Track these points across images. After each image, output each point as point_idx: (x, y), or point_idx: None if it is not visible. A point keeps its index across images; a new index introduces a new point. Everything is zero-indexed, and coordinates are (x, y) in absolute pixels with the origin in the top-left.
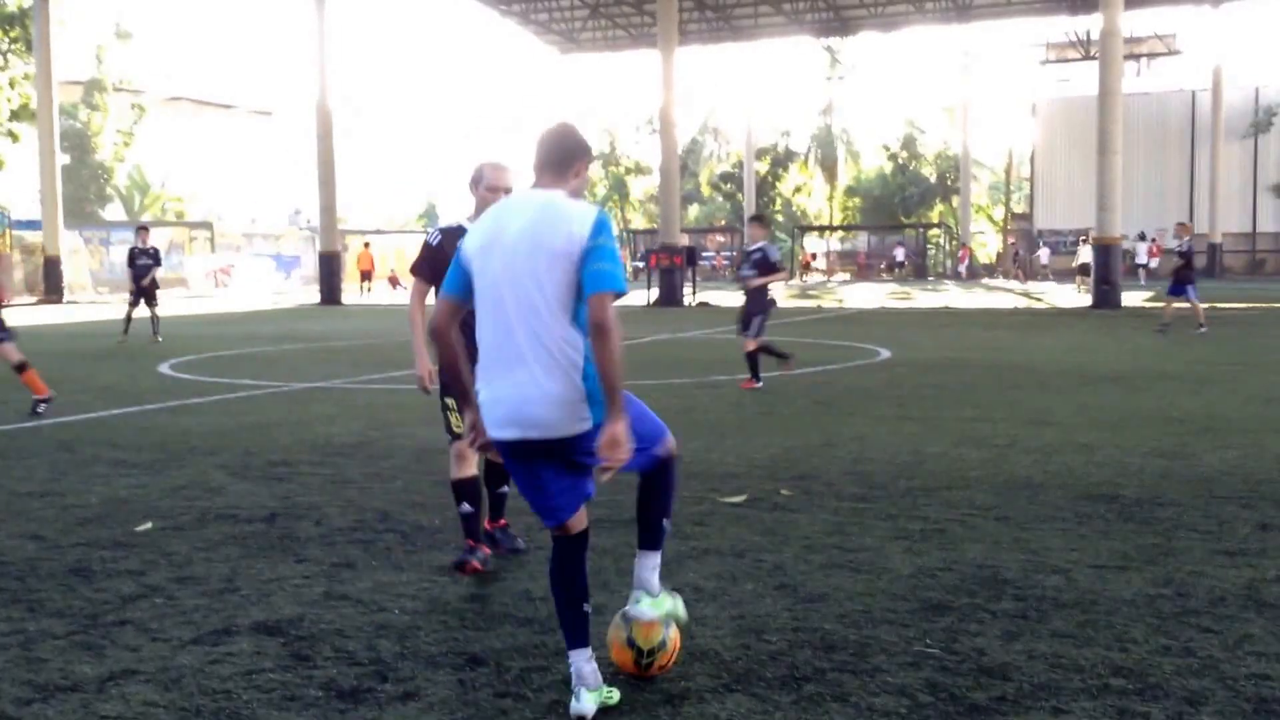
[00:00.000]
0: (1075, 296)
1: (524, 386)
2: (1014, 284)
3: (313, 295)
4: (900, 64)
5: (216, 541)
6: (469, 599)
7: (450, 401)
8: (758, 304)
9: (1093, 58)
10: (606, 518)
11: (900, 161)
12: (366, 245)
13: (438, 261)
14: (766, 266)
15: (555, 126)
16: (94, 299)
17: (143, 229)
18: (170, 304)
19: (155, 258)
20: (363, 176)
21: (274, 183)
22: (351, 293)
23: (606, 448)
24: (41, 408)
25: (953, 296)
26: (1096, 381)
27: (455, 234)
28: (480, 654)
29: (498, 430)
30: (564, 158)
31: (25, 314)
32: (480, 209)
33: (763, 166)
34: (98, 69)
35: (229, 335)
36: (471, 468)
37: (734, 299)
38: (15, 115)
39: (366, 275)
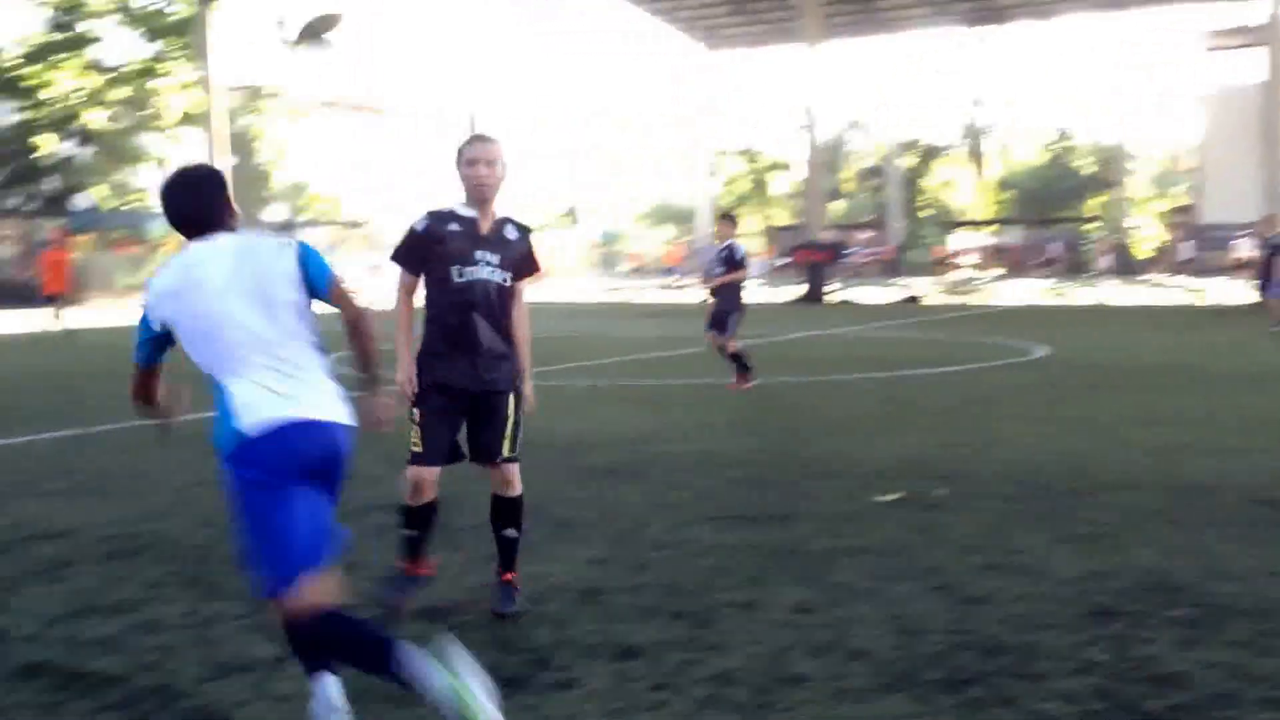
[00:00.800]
0: (1239, 293)
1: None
2: (1177, 279)
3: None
4: (1055, 53)
5: (375, 531)
6: (622, 591)
7: (416, 413)
8: (728, 302)
9: (1260, 44)
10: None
11: (1055, 154)
12: None
13: (425, 249)
14: (733, 264)
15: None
16: None
17: (286, 227)
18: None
19: None
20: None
21: (426, 182)
22: None
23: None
24: None
25: (1110, 292)
26: (1264, 381)
27: (445, 218)
28: (635, 646)
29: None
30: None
31: None
32: (465, 187)
33: (909, 160)
34: (259, 75)
35: (384, 332)
36: (428, 494)
37: (876, 295)
38: (182, 120)
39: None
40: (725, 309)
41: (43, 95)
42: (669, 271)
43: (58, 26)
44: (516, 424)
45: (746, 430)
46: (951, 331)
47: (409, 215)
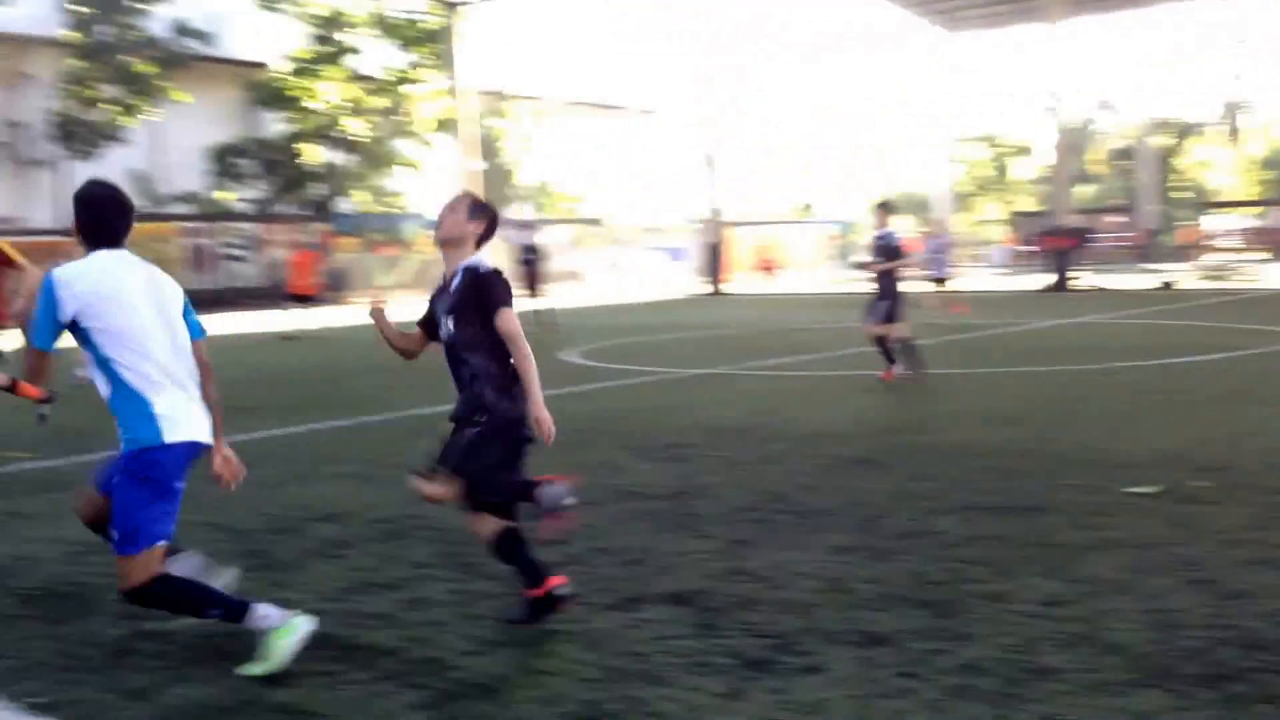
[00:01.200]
0: None
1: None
2: None
3: (701, 286)
4: None
5: (627, 517)
6: (867, 580)
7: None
8: (885, 291)
9: None
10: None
11: None
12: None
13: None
14: (890, 253)
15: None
16: None
17: (525, 225)
18: (568, 296)
19: (536, 252)
20: (746, 169)
21: (664, 179)
22: (738, 282)
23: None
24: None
25: None
26: None
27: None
28: (880, 633)
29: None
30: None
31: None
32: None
33: (1162, 140)
34: (504, 79)
35: (624, 325)
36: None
37: (1128, 282)
38: (433, 125)
39: (767, 267)
40: (882, 298)
41: (308, 106)
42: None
43: (320, 40)
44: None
45: (995, 421)
46: (1209, 317)
47: (647, 212)
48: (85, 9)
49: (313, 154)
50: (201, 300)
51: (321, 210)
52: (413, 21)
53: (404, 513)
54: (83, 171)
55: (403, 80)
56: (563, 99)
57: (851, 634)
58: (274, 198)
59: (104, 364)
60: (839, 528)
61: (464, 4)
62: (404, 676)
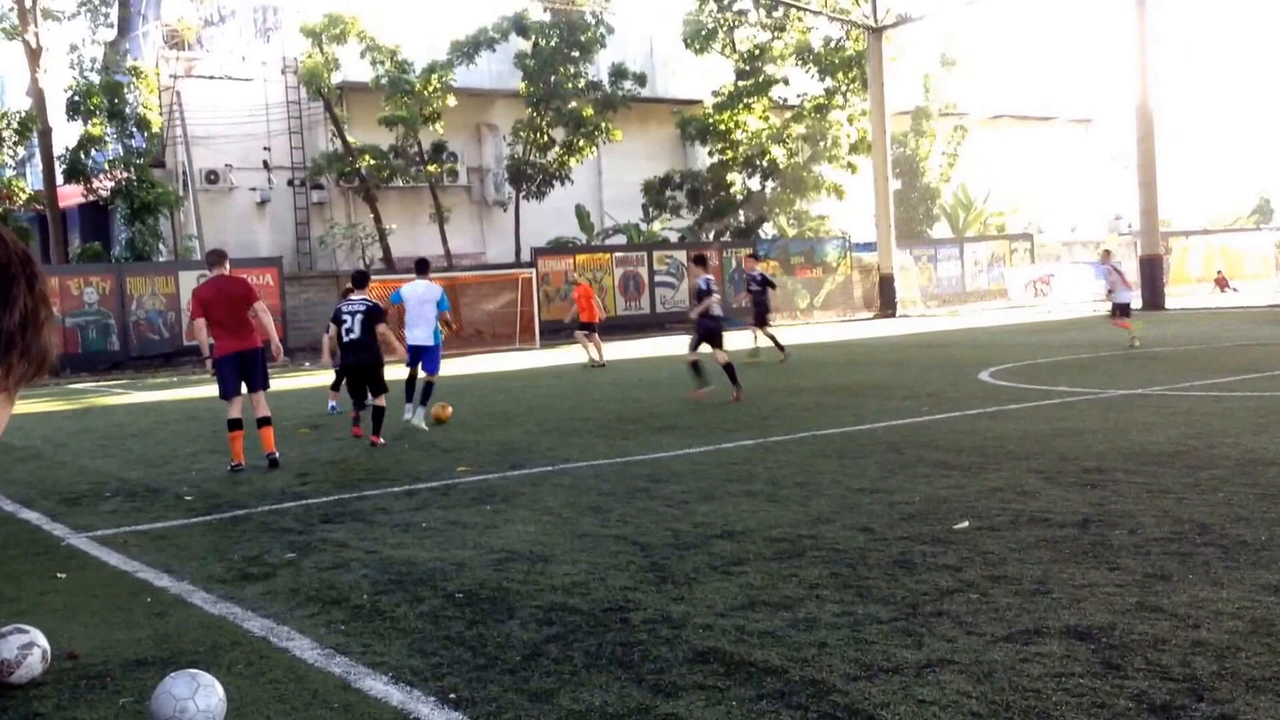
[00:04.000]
0: None
1: None
2: None
3: (1134, 301)
4: None
5: (1029, 544)
6: None
7: None
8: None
9: None
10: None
11: None
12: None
13: None
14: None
15: None
16: (923, 312)
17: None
18: (990, 314)
19: (764, 283)
20: (1189, 175)
21: (1094, 191)
22: (1182, 297)
23: None
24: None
25: None
26: None
27: None
28: None
29: None
30: None
31: (863, 328)
32: None
33: None
34: (925, 97)
35: (1047, 344)
36: None
37: None
38: (854, 148)
39: (1220, 281)
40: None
41: (734, 137)
42: None
43: (742, 75)
44: None
45: None
46: None
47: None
48: (535, 61)
49: (736, 183)
50: (632, 325)
51: (743, 236)
52: (835, 49)
53: (799, 532)
54: (532, 210)
55: (822, 106)
56: (988, 112)
57: (1277, 682)
58: (699, 226)
59: None
60: (1273, 564)
61: (889, 27)
62: (787, 697)
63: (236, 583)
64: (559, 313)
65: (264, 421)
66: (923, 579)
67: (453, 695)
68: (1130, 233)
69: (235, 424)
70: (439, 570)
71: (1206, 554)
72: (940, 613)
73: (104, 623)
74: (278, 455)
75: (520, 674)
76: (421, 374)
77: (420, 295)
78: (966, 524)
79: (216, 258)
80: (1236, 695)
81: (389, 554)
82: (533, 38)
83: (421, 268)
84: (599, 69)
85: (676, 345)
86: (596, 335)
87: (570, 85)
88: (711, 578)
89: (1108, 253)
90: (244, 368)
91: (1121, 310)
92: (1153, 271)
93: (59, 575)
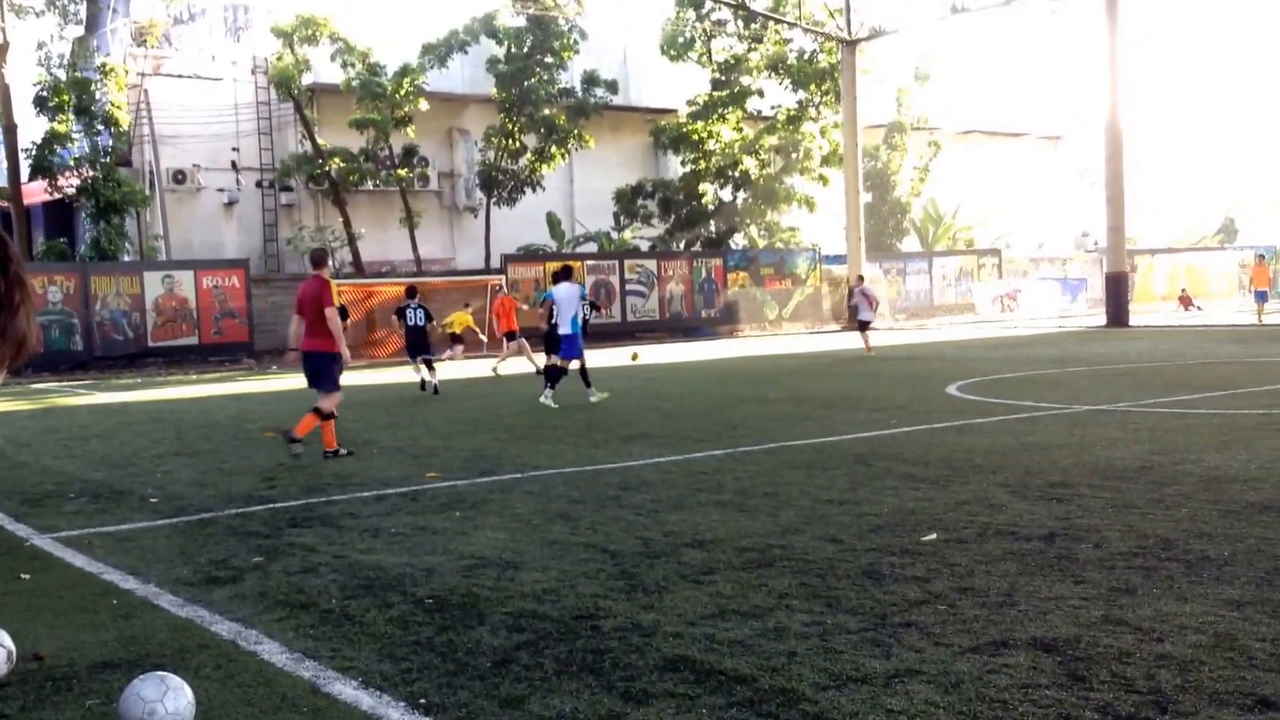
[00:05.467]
0: None
1: None
2: None
3: (1099, 318)
4: None
5: (996, 556)
6: (1263, 638)
7: None
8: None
9: None
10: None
11: None
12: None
13: None
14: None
15: None
16: (891, 325)
17: (411, 291)
18: (958, 329)
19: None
20: (1156, 193)
21: (1061, 207)
22: (1145, 315)
23: None
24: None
25: None
26: None
27: None
28: (1273, 697)
29: None
30: None
31: (831, 339)
32: None
33: None
34: (897, 112)
35: (1013, 358)
36: None
37: None
38: (826, 160)
39: (1184, 299)
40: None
41: (707, 148)
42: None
43: (717, 85)
44: None
45: None
46: None
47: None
48: (508, 66)
49: (708, 193)
50: (602, 334)
51: (713, 246)
52: (808, 61)
53: (771, 543)
54: (503, 216)
55: (795, 118)
56: (960, 127)
57: (1239, 696)
58: (670, 235)
59: None
60: (1235, 579)
61: (862, 40)
62: (757, 705)
63: (203, 586)
64: (530, 320)
65: (314, 410)
66: (891, 590)
67: (423, 701)
68: (1097, 249)
69: (316, 411)
70: (408, 575)
71: (1170, 569)
72: (908, 623)
73: (69, 624)
74: (298, 438)
75: (491, 680)
76: (566, 362)
77: (566, 295)
78: (934, 536)
79: (317, 258)
80: (1200, 708)
81: (358, 559)
82: (505, 43)
83: (567, 273)
84: (572, 76)
85: (651, 353)
86: (521, 343)
87: (543, 91)
88: (681, 586)
89: (860, 278)
90: (307, 365)
91: (862, 325)
92: (1118, 289)
93: (23, 576)
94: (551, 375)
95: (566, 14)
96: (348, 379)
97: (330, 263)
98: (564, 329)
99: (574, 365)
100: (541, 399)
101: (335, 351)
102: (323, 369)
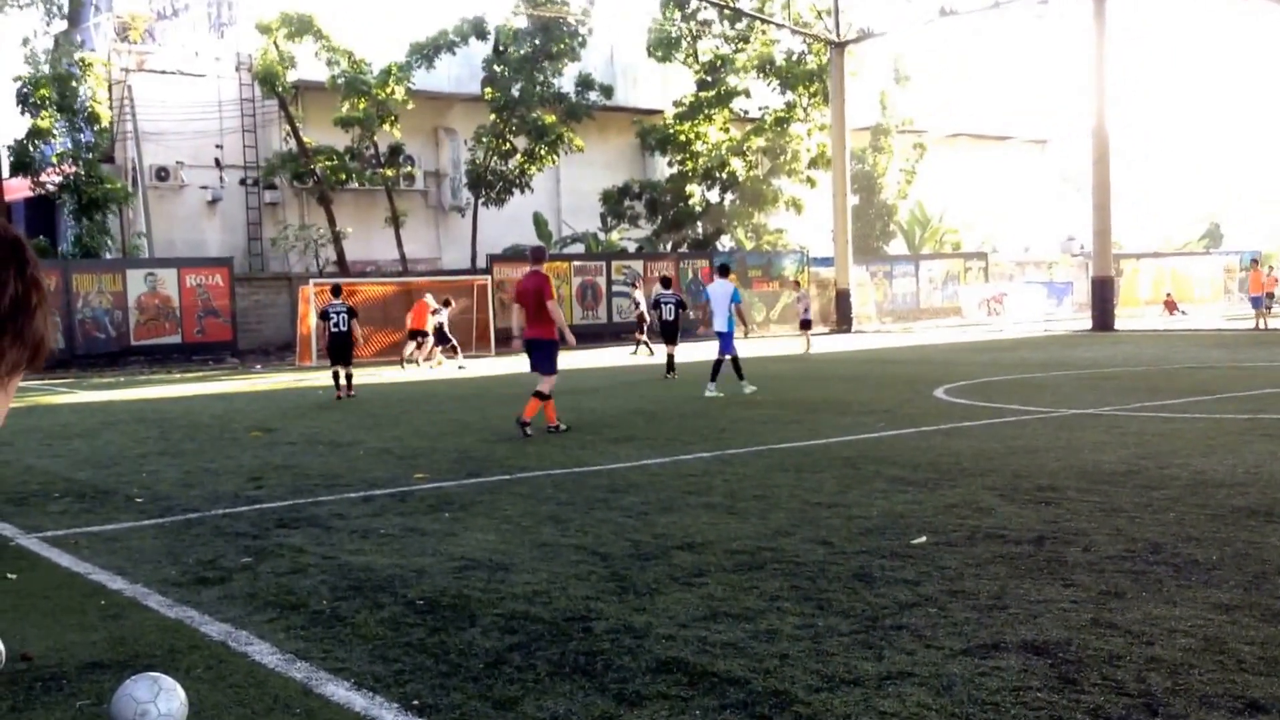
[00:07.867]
0: None
1: None
2: None
3: (1085, 322)
4: None
5: (985, 559)
6: (1251, 641)
7: None
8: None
9: None
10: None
11: None
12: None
13: None
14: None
15: None
16: (879, 328)
17: (335, 290)
18: (944, 332)
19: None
20: (1141, 198)
21: (1048, 211)
22: (1131, 319)
23: None
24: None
25: None
26: None
27: None
28: (1262, 701)
29: None
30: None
31: (819, 342)
32: None
33: None
34: (883, 114)
35: (1000, 362)
36: None
37: None
38: (813, 162)
39: (1169, 303)
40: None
41: (694, 149)
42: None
43: (704, 86)
44: None
45: None
46: None
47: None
48: (502, 68)
49: (695, 194)
50: (589, 334)
51: (700, 247)
52: (796, 62)
53: (761, 545)
54: (489, 216)
55: (782, 119)
56: (946, 130)
57: (1228, 699)
58: (657, 237)
59: None
60: (1223, 583)
61: (851, 42)
62: (750, 707)
63: (192, 586)
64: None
65: (536, 394)
66: (882, 593)
67: (415, 702)
68: (1082, 254)
69: (538, 395)
70: (398, 577)
71: (1159, 572)
72: (900, 626)
73: (57, 624)
74: (527, 422)
75: (483, 682)
76: (724, 356)
77: (720, 293)
78: (924, 539)
79: (537, 255)
80: (1190, 711)
81: (347, 560)
82: (504, 46)
83: (724, 271)
84: (564, 79)
85: (642, 355)
86: (429, 343)
87: (538, 94)
88: (673, 588)
89: (797, 283)
90: (530, 351)
91: (804, 325)
92: (1103, 293)
93: (9, 576)
94: (714, 368)
95: (576, 17)
96: (321, 379)
97: (318, 261)
98: (717, 326)
99: (726, 358)
100: (707, 392)
101: (554, 339)
102: (545, 354)
